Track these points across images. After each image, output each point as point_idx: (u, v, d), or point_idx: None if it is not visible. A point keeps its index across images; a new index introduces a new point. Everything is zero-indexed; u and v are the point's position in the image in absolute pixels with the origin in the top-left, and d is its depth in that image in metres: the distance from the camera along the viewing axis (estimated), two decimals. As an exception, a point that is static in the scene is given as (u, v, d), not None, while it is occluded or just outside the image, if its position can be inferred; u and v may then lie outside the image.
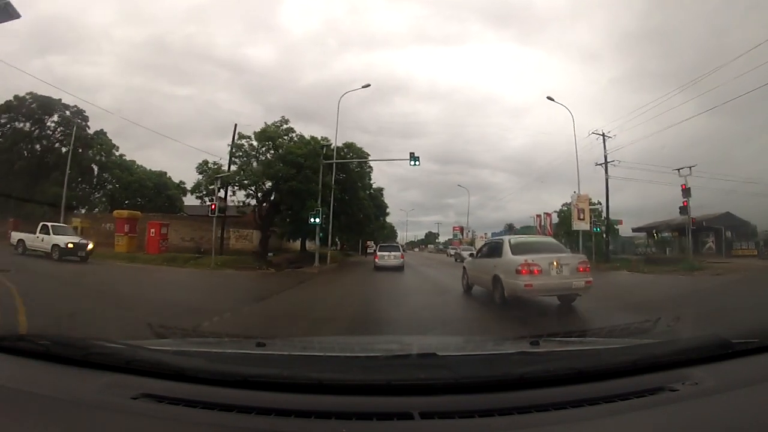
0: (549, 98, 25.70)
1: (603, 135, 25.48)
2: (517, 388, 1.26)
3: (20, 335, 1.48)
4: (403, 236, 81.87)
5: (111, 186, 34.20)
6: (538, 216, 39.36)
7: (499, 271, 7.79)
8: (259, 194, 22.85)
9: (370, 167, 29.51)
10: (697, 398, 1.24)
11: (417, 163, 23.31)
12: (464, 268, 10.63)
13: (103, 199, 34.79)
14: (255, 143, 22.49)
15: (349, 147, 26.77)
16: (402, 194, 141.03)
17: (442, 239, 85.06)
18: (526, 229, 45.54)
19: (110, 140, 33.69)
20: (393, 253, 20.38)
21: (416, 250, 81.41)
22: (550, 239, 10.54)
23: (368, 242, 48.25)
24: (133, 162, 34.66)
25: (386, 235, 52.81)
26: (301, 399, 1.20)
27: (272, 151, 22.49)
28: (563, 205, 32.37)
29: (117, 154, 34.02)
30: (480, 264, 9.24)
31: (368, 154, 28.48)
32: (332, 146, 24.05)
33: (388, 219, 50.39)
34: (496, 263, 8.14)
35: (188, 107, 71.41)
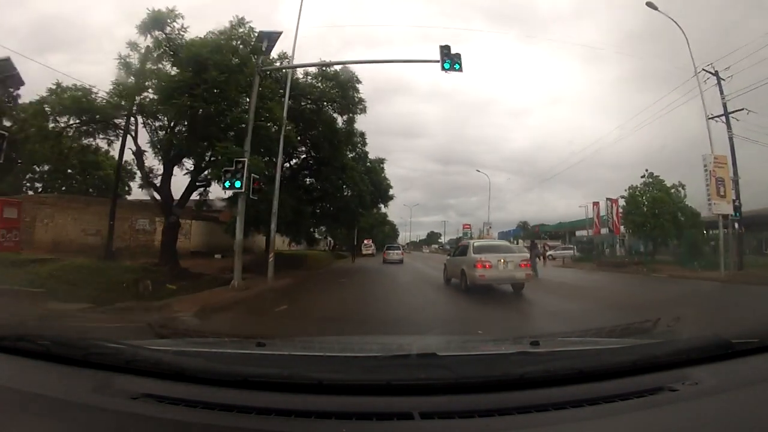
0: (649, 5, 18.44)
1: (716, 74, 17.37)
2: (517, 388, 1.26)
3: (20, 335, 1.48)
4: (405, 236, 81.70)
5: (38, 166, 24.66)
6: (596, 204, 29.47)
7: (465, 266, 10.47)
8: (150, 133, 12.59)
9: (362, 104, 15.98)
10: (697, 398, 1.24)
11: (457, 66, 11.22)
12: (445, 265, 13.24)
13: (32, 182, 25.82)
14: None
15: (323, 75, 15.38)
16: (402, 195, 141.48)
17: (445, 239, 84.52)
18: (543, 227, 44.61)
19: (43, 109, 25.26)
20: (396, 251, 29.97)
21: (425, 250, 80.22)
22: (504, 243, 13.09)
23: (366, 240, 40.17)
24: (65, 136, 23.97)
25: (387, 234, 50.98)
26: (301, 399, 1.20)
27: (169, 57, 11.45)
28: (629, 188, 23.96)
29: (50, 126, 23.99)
30: (454, 261, 12.05)
31: (358, 81, 15.48)
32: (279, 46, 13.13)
33: (388, 215, 44.56)
34: (463, 260, 10.85)
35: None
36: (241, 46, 11.68)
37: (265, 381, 1.26)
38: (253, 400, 1.20)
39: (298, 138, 14.72)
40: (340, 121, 16.35)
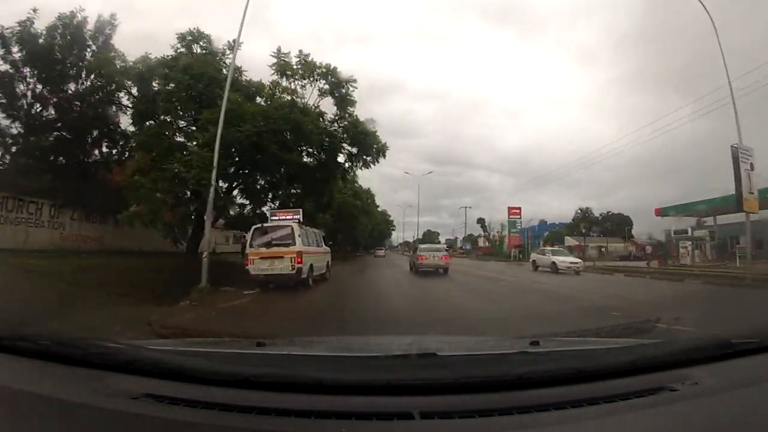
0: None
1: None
2: (517, 388, 1.26)
3: (20, 335, 1.48)
4: (401, 236, 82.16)
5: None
6: None
7: (414, 259, 19.50)
8: None
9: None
10: (697, 398, 1.24)
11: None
12: (409, 259, 22.91)
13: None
14: None
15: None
16: (395, 195, 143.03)
17: (443, 238, 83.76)
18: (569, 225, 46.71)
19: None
20: (380, 251, 51.38)
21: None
22: (439, 245, 23.79)
23: (280, 212, 14.15)
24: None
25: (376, 225, 54.49)
26: (301, 399, 1.20)
27: None
28: None
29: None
30: (412, 256, 21.72)
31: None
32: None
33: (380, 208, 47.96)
34: (413, 255, 21.02)
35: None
36: None
37: (265, 381, 1.26)
38: (253, 400, 1.20)
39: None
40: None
